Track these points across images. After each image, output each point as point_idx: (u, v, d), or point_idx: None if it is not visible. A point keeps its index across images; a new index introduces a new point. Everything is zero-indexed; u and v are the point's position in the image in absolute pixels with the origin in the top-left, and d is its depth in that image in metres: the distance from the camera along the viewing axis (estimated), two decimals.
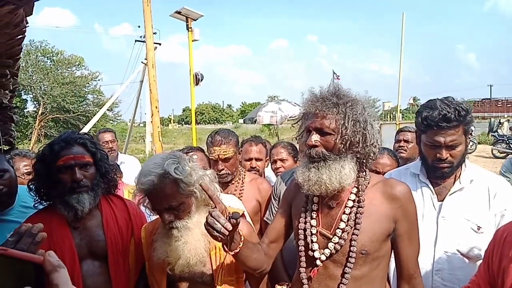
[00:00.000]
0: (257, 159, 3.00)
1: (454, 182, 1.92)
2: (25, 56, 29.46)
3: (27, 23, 1.67)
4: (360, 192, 1.52)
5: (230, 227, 1.34)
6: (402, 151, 3.49)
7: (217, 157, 2.46)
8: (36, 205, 1.84)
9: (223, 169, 2.46)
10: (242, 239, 1.47)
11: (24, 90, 29.95)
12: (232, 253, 1.46)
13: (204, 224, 1.40)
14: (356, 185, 1.53)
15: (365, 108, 1.50)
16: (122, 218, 1.92)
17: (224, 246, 1.46)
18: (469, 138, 1.90)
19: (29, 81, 29.15)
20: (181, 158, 1.66)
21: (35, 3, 1.58)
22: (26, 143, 28.71)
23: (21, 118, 29.19)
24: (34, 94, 30.45)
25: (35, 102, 31.17)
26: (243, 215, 1.78)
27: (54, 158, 1.75)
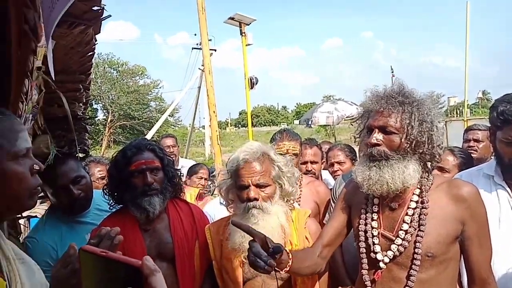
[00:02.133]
0: (312, 162, 2.97)
1: None
2: (94, 68, 31.67)
3: (96, 40, 1.80)
4: (424, 193, 1.46)
5: (273, 263, 1.30)
6: (472, 151, 3.24)
7: (285, 151, 2.48)
8: (110, 208, 1.99)
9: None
10: (290, 256, 1.45)
11: (95, 100, 32.48)
12: (283, 272, 1.46)
13: (248, 257, 1.36)
14: (418, 186, 1.48)
15: (431, 109, 1.45)
16: (188, 221, 1.99)
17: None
18: None
19: (99, 91, 31.57)
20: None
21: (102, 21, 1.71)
22: (98, 149, 31.05)
23: (92, 126, 31.65)
24: (103, 103, 32.93)
25: (104, 111, 33.67)
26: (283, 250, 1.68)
27: (126, 163, 1.87)
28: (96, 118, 33.90)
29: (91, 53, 1.86)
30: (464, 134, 3.49)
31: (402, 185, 1.42)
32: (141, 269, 0.58)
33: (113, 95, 32.27)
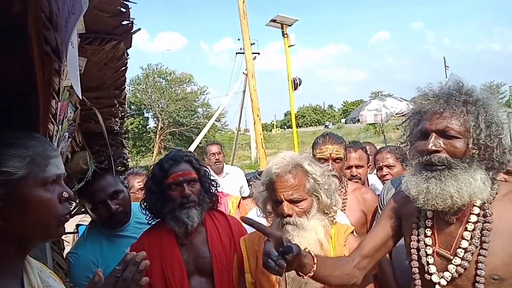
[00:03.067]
0: (357, 166, 2.80)
1: None
2: (145, 78, 33.49)
3: (127, 55, 1.79)
4: (486, 204, 1.27)
5: (284, 264, 1.19)
6: None
7: (328, 155, 2.36)
8: (148, 222, 1.97)
9: (332, 170, 2.34)
10: (315, 261, 1.33)
11: (146, 109, 34.01)
12: (307, 276, 1.34)
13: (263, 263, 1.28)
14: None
15: (497, 108, 1.27)
16: (225, 234, 1.93)
17: (297, 272, 1.35)
18: None
19: (149, 100, 32.98)
20: (314, 160, 1.74)
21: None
22: (149, 156, 32.45)
23: (144, 134, 33.13)
24: (153, 112, 34.34)
25: (154, 119, 35.10)
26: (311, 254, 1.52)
27: (164, 176, 1.85)
28: (147, 126, 35.47)
29: (124, 68, 1.86)
30: None
31: (469, 199, 1.24)
32: None
33: (162, 103, 33.55)
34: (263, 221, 2.04)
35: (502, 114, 1.32)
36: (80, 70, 1.47)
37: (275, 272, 1.21)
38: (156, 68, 34.74)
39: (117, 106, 2.02)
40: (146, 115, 34.96)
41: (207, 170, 2.01)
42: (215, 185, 2.02)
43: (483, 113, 1.23)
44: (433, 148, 1.26)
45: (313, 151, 2.47)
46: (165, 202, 1.85)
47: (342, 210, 2.28)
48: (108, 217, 2.03)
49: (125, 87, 2.00)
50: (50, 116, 1.33)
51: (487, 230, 1.24)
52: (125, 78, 1.96)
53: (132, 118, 30.90)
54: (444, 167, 1.26)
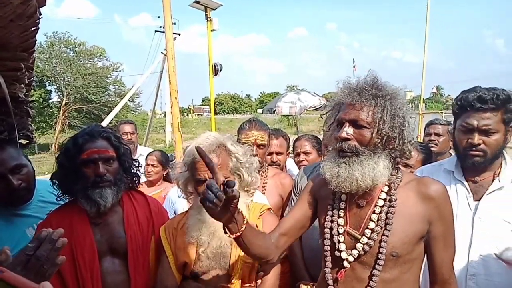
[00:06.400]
0: (278, 153, 2.92)
1: (492, 180, 1.79)
2: (49, 47, 30.20)
3: (40, 14, 1.61)
4: (392, 191, 1.42)
5: (222, 197, 1.17)
6: (433, 145, 3.32)
7: (254, 141, 2.42)
8: (58, 199, 1.82)
9: (256, 155, 2.38)
10: (245, 221, 1.34)
11: (49, 81, 30.79)
12: (233, 236, 1.34)
13: (200, 197, 1.25)
14: (387, 183, 1.44)
15: (403, 103, 1.40)
16: (143, 215, 1.87)
17: (225, 228, 1.34)
18: (510, 129, 1.74)
19: (53, 72, 29.91)
20: (236, 140, 1.78)
21: None
22: (51, 133, 29.55)
23: (45, 109, 30.01)
24: (58, 85, 31.26)
25: (59, 93, 31.98)
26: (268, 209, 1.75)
27: (77, 152, 1.72)
28: (50, 101, 32.18)
29: (35, 28, 1.65)
30: (425, 128, 3.59)
31: (371, 183, 1.37)
32: None
33: (69, 77, 30.62)
34: (183, 202, 2.02)
35: (412, 117, 1.48)
36: None
37: (212, 204, 1.17)
38: (63, 37, 31.51)
39: (24, 70, 1.79)
40: (48, 87, 31.64)
41: (128, 148, 1.91)
42: (136, 164, 1.93)
43: (389, 106, 1.36)
44: (345, 136, 1.37)
45: (238, 136, 2.50)
46: (77, 179, 1.73)
47: (262, 192, 2.37)
48: (8, 194, 1.80)
49: (34, 50, 1.78)
50: None
51: (391, 213, 1.39)
52: (35, 40, 1.75)
53: (32, 90, 27.68)
54: (352, 153, 1.38)
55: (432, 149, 3.19)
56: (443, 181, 1.72)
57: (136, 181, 1.94)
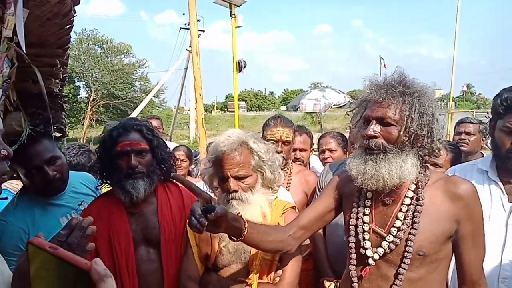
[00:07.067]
0: (301, 150, 2.91)
1: None
2: (78, 44, 31.03)
3: (75, 12, 1.67)
4: (419, 189, 1.40)
5: (204, 223, 1.22)
6: (463, 144, 3.23)
7: (279, 138, 2.41)
8: (98, 188, 1.91)
9: (281, 152, 2.37)
10: (246, 225, 1.39)
11: (77, 77, 31.63)
12: (237, 240, 1.40)
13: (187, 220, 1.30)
14: (414, 182, 1.41)
15: (432, 100, 1.38)
16: (177, 206, 1.91)
17: (229, 235, 1.40)
18: None
19: (82, 68, 30.70)
20: (259, 137, 1.78)
21: None
22: (80, 128, 30.44)
23: (74, 104, 30.93)
24: (86, 81, 32.08)
25: (87, 89, 32.84)
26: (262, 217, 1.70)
27: (112, 144, 1.80)
28: (79, 96, 33.10)
29: (69, 25, 1.72)
30: (455, 126, 3.49)
31: (398, 181, 1.35)
32: (89, 273, 0.50)
33: (96, 73, 31.39)
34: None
35: (441, 114, 1.45)
36: None
37: (196, 229, 1.23)
38: (91, 35, 32.32)
39: (59, 66, 1.87)
40: (77, 83, 32.52)
41: (162, 141, 1.95)
42: (170, 157, 1.97)
43: (417, 103, 1.34)
44: (372, 133, 1.37)
45: (263, 132, 2.50)
46: (113, 170, 1.82)
47: (287, 189, 2.37)
48: (44, 184, 1.89)
49: (68, 47, 1.85)
50: None
51: (418, 212, 1.37)
52: (70, 37, 1.82)
53: None
54: (379, 151, 1.36)
55: (462, 148, 3.10)
56: (476, 181, 1.68)
57: (169, 173, 1.97)
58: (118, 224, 1.79)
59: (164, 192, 1.93)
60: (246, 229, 1.38)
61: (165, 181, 1.97)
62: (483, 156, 2.73)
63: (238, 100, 10.85)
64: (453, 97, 14.10)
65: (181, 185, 2.07)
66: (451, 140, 3.45)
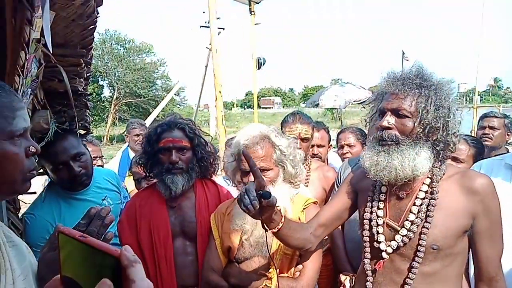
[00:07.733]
0: (319, 146, 2.91)
1: None
2: (101, 44, 31.72)
3: (98, 13, 1.73)
4: (434, 183, 1.40)
5: (257, 205, 1.25)
6: (487, 138, 3.15)
7: (297, 134, 2.42)
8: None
9: (299, 149, 2.40)
10: (283, 220, 1.42)
11: (101, 76, 32.36)
12: (270, 231, 1.43)
13: (237, 197, 1.34)
14: (429, 176, 1.41)
15: (449, 94, 1.37)
16: (213, 202, 1.99)
17: (264, 224, 1.42)
18: None
19: (105, 67, 31.39)
20: (281, 132, 1.82)
21: None
22: (103, 126, 31.16)
23: (98, 103, 31.68)
24: (109, 80, 32.76)
25: (110, 88, 33.53)
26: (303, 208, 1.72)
27: (156, 140, 1.91)
28: (102, 95, 33.86)
29: (93, 26, 1.79)
30: (479, 121, 3.40)
31: (411, 173, 1.35)
32: (119, 259, 0.53)
33: (119, 72, 32.05)
34: (233, 189, 2.10)
35: (458, 109, 1.43)
36: None
37: (246, 209, 1.26)
38: (114, 35, 33.02)
39: (83, 66, 1.94)
40: (101, 83, 33.29)
41: (203, 139, 2.03)
42: (211, 155, 2.04)
43: (433, 96, 1.33)
44: (386, 124, 1.37)
45: (282, 129, 2.51)
46: (155, 164, 1.93)
47: (305, 185, 2.38)
48: (70, 179, 1.99)
49: (92, 47, 1.92)
50: (18, 68, 1.26)
51: (432, 205, 1.36)
52: (93, 38, 1.89)
53: None
54: (392, 142, 1.36)
55: (485, 143, 3.02)
56: (503, 177, 1.65)
57: (212, 171, 2.07)
58: (158, 216, 1.90)
59: (202, 189, 2.02)
60: (282, 223, 1.41)
61: (204, 178, 2.05)
62: (508, 152, 2.66)
63: (258, 97, 10.85)
64: (478, 92, 13.67)
65: (219, 184, 2.13)
66: (475, 135, 3.38)
